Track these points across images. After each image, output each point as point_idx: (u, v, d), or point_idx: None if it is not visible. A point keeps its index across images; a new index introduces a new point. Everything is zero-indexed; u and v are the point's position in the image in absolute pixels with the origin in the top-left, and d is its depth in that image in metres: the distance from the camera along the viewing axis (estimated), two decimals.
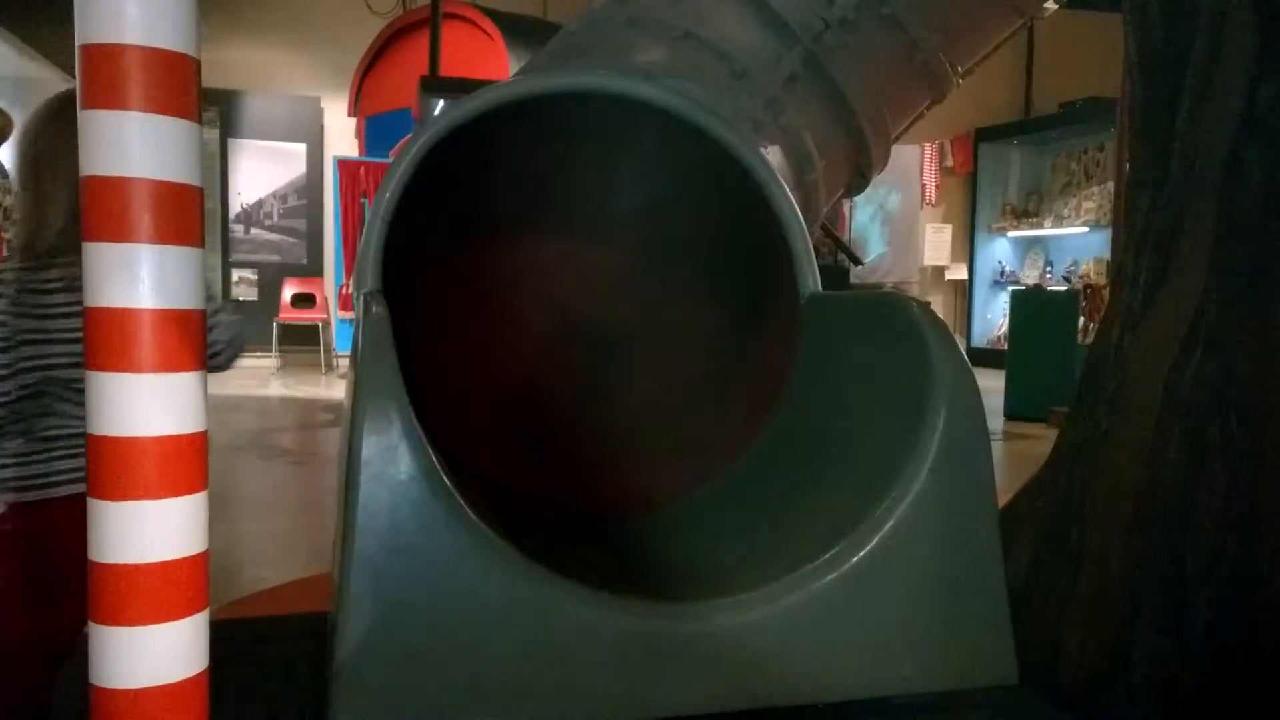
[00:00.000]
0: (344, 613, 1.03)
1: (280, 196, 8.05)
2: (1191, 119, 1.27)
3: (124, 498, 0.65)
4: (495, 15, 6.80)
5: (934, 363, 1.22)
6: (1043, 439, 4.66)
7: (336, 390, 6.48)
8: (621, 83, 1.59)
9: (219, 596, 2.08)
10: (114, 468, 0.65)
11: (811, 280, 1.59)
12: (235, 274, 7.95)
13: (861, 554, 1.14)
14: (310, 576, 2.17)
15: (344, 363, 8.02)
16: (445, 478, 1.07)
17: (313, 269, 8.20)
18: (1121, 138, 4.19)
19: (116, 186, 0.66)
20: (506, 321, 1.94)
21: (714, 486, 1.60)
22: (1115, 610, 1.27)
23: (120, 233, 0.65)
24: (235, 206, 7.94)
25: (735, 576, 1.24)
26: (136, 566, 0.66)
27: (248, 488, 3.35)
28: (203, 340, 0.68)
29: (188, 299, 0.68)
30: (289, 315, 7.81)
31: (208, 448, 0.69)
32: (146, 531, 0.66)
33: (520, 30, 6.75)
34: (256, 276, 8.00)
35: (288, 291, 7.91)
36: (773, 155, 2.01)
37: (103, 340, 0.65)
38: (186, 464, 0.67)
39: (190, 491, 0.67)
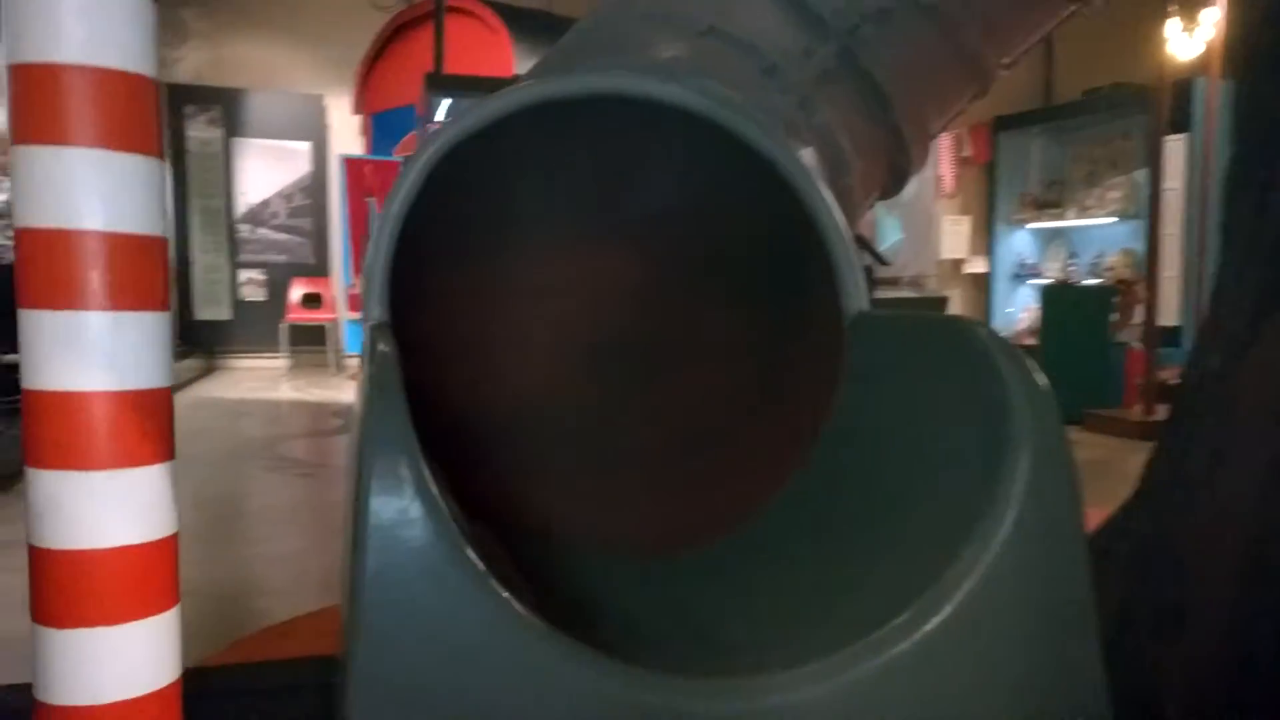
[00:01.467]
0: (351, 695, 0.90)
1: (286, 196, 7.94)
2: None
3: (77, 624, 0.53)
4: (500, 9, 6.66)
5: (1011, 397, 1.08)
6: (1078, 444, 4.46)
7: (347, 392, 6.38)
8: (646, 85, 1.46)
9: (224, 634, 1.97)
10: (63, 589, 0.52)
11: (858, 297, 1.45)
12: (242, 275, 7.85)
13: (936, 621, 1.00)
14: (322, 609, 2.06)
15: (354, 363, 7.91)
16: (465, 542, 0.95)
17: (320, 268, 8.09)
18: (1158, 126, 4.03)
19: (59, 241, 0.53)
20: (517, 334, 1.81)
21: (749, 528, 1.46)
22: (1225, 673, 1.13)
23: (65, 298, 0.53)
24: (240, 206, 7.83)
25: (784, 643, 1.10)
26: (92, 710, 0.53)
27: (254, 503, 3.24)
28: (170, 425, 0.55)
29: (151, 376, 0.55)
30: (297, 315, 7.70)
31: (178, 551, 0.56)
32: (106, 665, 0.53)
33: (525, 24, 6.61)
34: (264, 277, 7.90)
35: (295, 292, 7.80)
36: (807, 157, 1.87)
37: (45, 431, 0.53)
38: (154, 578, 0.54)
39: (161, 610, 0.55)
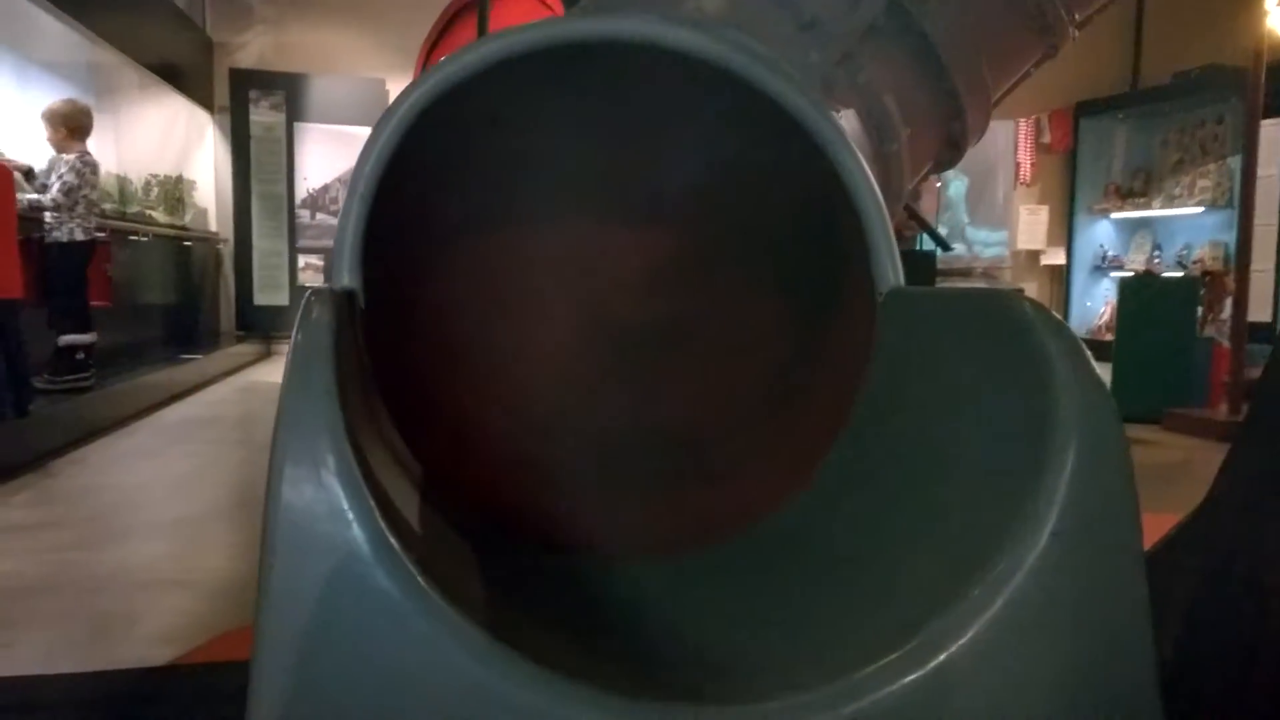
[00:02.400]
0: (250, 714, 0.78)
1: (345, 181, 7.97)
2: None
3: None
4: None
5: (1058, 383, 0.91)
6: (1158, 444, 4.20)
7: None
8: (655, 28, 1.30)
9: (224, 625, 1.88)
10: None
11: (891, 272, 1.27)
12: (301, 260, 7.90)
13: (956, 647, 0.84)
14: None
15: None
16: (396, 538, 0.81)
17: None
18: (1254, 109, 3.70)
19: None
20: (527, 319, 1.67)
21: (758, 531, 1.30)
22: None
23: None
24: (301, 192, 7.88)
25: (781, 668, 0.95)
26: None
27: None
28: None
29: None
30: None
31: None
32: None
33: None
34: (323, 263, 7.94)
35: None
36: (847, 120, 1.69)
37: None
38: None
39: None
